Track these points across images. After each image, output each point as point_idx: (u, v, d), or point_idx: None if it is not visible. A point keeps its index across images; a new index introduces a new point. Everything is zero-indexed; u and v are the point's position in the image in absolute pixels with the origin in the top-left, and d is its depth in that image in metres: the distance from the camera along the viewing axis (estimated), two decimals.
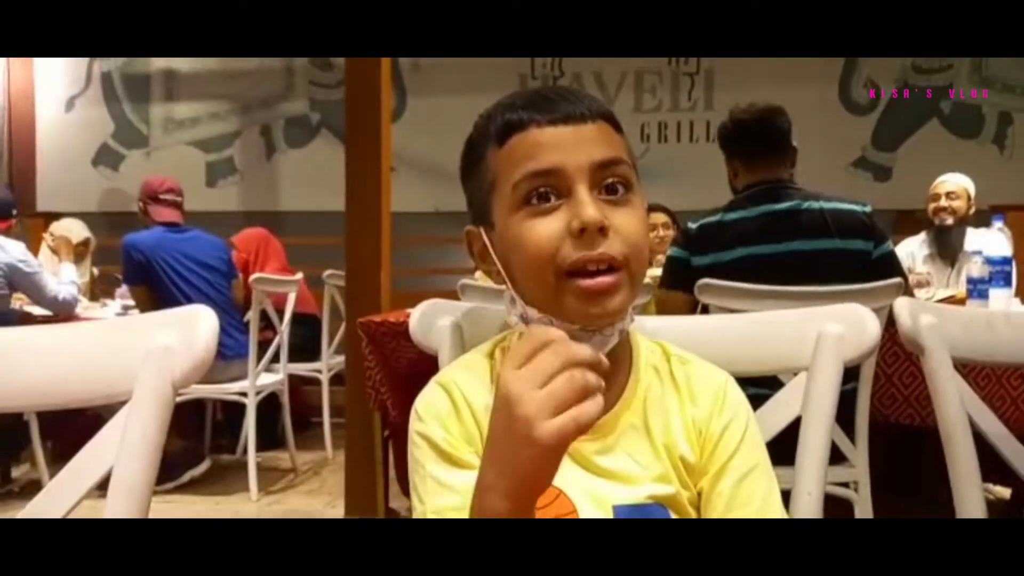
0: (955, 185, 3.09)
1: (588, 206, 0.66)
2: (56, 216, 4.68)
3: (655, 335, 0.83)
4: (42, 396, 0.72)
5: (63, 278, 3.15)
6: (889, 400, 2.00)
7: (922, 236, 3.19)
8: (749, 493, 0.70)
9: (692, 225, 1.93)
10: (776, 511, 0.71)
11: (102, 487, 0.67)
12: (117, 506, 0.66)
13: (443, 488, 0.68)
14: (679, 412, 0.73)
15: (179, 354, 0.68)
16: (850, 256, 1.85)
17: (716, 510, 0.70)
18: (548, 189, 0.67)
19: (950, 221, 3.05)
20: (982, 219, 3.03)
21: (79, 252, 3.72)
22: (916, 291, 2.54)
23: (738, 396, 0.75)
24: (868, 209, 1.90)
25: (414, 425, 0.72)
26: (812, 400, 0.83)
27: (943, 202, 3.07)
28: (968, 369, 0.94)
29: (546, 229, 0.67)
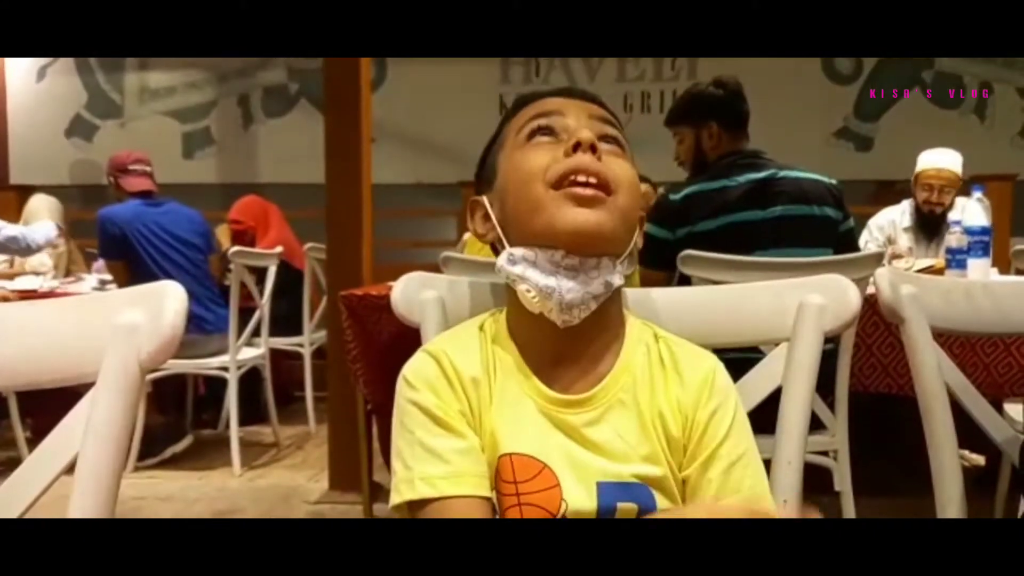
0: (949, 175, 2.98)
1: (584, 129, 0.71)
2: (29, 189, 4.60)
3: (637, 307, 0.83)
4: (8, 375, 0.70)
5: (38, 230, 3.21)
6: (869, 370, 2.02)
7: (903, 206, 3.18)
8: (738, 481, 0.70)
9: (674, 197, 1.91)
10: (766, 499, 0.72)
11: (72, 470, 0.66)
12: (84, 491, 0.64)
13: (431, 455, 0.68)
14: (665, 392, 0.73)
15: (145, 333, 0.66)
16: (826, 222, 1.91)
17: (705, 499, 0.70)
18: (549, 126, 0.73)
19: (939, 212, 3.00)
20: (961, 189, 3.04)
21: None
22: (894, 262, 2.56)
23: (726, 382, 0.75)
24: (835, 182, 1.96)
25: (404, 392, 0.72)
26: (793, 370, 0.84)
27: (935, 196, 2.99)
28: (943, 338, 0.94)
29: (542, 151, 0.72)
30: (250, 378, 3.20)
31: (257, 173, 5.21)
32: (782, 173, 1.90)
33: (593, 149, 0.70)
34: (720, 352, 0.79)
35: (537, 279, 0.70)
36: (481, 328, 0.76)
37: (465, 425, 0.70)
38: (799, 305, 0.84)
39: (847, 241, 1.95)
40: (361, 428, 2.29)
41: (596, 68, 4.97)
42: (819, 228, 1.89)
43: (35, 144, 5.30)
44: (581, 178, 0.68)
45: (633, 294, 0.85)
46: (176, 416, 3.32)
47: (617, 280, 0.72)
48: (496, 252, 0.75)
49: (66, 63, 5.35)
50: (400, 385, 0.73)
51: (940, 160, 3.01)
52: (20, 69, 5.36)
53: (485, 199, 0.77)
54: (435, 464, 0.68)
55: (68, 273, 3.65)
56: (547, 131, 0.73)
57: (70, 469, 0.66)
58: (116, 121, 5.35)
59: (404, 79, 5.00)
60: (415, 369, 0.73)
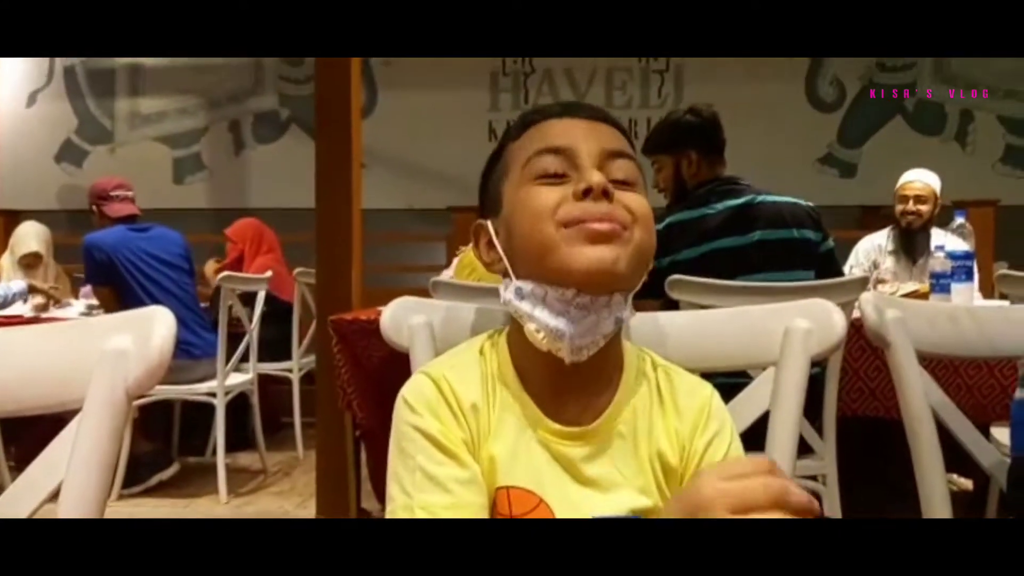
0: (923, 187, 3.10)
1: (595, 172, 0.68)
2: (16, 215, 4.59)
3: (627, 332, 0.83)
4: None
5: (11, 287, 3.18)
6: (856, 393, 2.03)
7: (887, 231, 3.24)
8: None
9: (657, 227, 1.93)
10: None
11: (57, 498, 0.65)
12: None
13: (433, 483, 0.66)
14: (664, 425, 0.73)
15: (133, 358, 0.66)
16: (806, 244, 1.94)
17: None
18: (557, 166, 0.69)
19: (917, 224, 3.08)
20: (945, 215, 3.08)
21: (28, 263, 3.68)
22: (879, 287, 2.58)
23: (722, 410, 0.75)
24: (812, 205, 2.00)
25: (405, 416, 0.70)
26: (780, 395, 0.84)
27: (911, 206, 3.08)
28: (927, 361, 0.95)
29: (551, 192, 0.68)
30: (237, 403, 3.18)
31: (247, 198, 5.21)
32: (760, 198, 1.93)
33: (605, 193, 0.67)
34: (708, 377, 0.79)
35: (547, 320, 0.68)
36: (481, 352, 0.75)
37: (467, 453, 0.68)
38: (785, 330, 0.85)
39: (828, 261, 1.97)
40: (350, 455, 2.28)
41: (583, 94, 5.03)
42: (800, 250, 1.92)
43: (24, 169, 5.29)
44: (594, 226, 0.66)
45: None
46: (162, 443, 3.28)
47: (627, 315, 0.70)
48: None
49: (56, 88, 5.36)
50: (400, 408, 0.71)
51: (916, 173, 3.15)
52: (10, 94, 5.36)
53: (490, 225, 0.74)
54: (437, 493, 0.66)
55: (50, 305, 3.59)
56: (556, 172, 0.69)
57: (54, 496, 0.66)
58: (106, 146, 5.35)
59: (394, 105, 5.04)
60: (416, 392, 0.71)
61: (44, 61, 5.35)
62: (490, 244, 0.74)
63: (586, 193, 0.66)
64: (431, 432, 0.68)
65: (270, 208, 4.89)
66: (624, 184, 0.70)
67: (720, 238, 1.88)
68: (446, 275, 2.27)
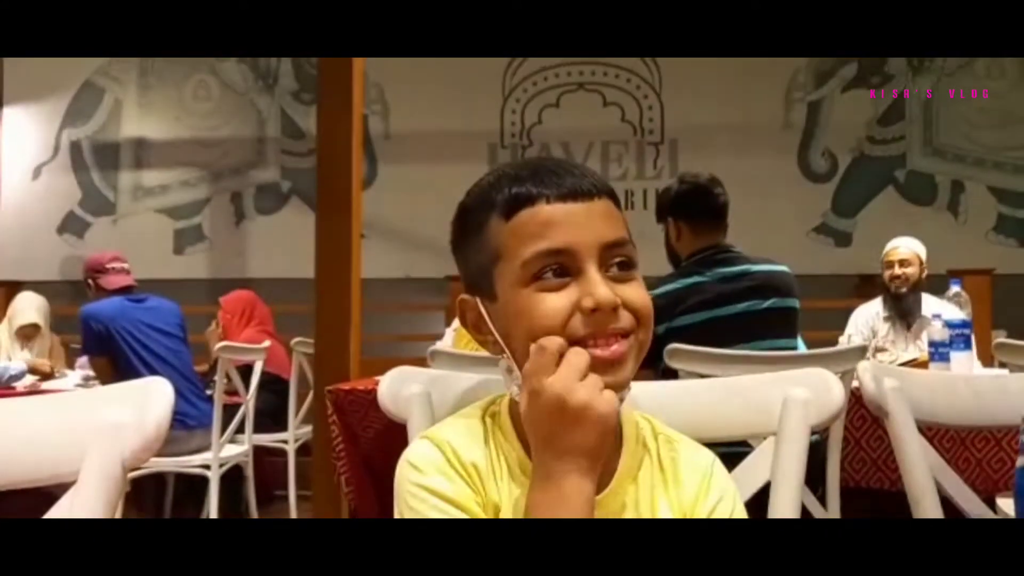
0: (907, 251, 3.17)
1: (600, 285, 0.67)
2: (19, 285, 4.60)
3: (627, 402, 0.83)
4: None
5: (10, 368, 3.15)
6: (859, 464, 2.01)
7: (880, 299, 3.27)
8: None
9: (653, 292, 1.95)
10: None
11: None
12: None
13: None
14: (666, 496, 0.72)
15: (130, 431, 0.65)
16: (791, 312, 1.98)
17: None
18: (559, 267, 0.68)
19: (904, 289, 3.13)
20: (940, 284, 3.11)
21: (27, 334, 3.68)
22: (878, 355, 2.59)
23: (724, 478, 0.74)
24: (788, 268, 2.04)
25: (410, 477, 0.68)
26: (781, 465, 0.83)
27: (896, 270, 3.15)
28: (933, 433, 0.95)
29: (556, 303, 0.67)
30: (231, 475, 3.13)
31: (247, 268, 5.25)
32: (756, 267, 1.96)
33: (614, 308, 0.67)
34: (708, 446, 0.79)
35: None
36: (483, 419, 0.73)
37: (479, 508, 0.67)
38: (784, 399, 0.84)
39: (797, 322, 2.03)
40: None
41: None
42: (785, 318, 1.96)
43: (27, 240, 5.34)
44: (602, 355, 0.66)
45: None
46: (154, 515, 3.21)
47: (627, 394, 0.71)
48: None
49: (62, 161, 5.46)
50: (404, 470, 0.69)
51: (899, 240, 3.23)
52: (17, 167, 5.46)
53: (480, 304, 0.72)
54: None
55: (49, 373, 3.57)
56: (556, 274, 0.68)
57: None
58: (108, 218, 5.42)
59: (394, 177, 5.13)
60: (420, 454, 0.69)
61: (51, 136, 5.46)
62: (479, 320, 0.73)
63: (593, 311, 0.66)
64: (439, 489, 0.67)
65: (268, 278, 4.93)
66: (624, 268, 0.70)
67: (716, 306, 1.90)
68: (444, 344, 2.27)
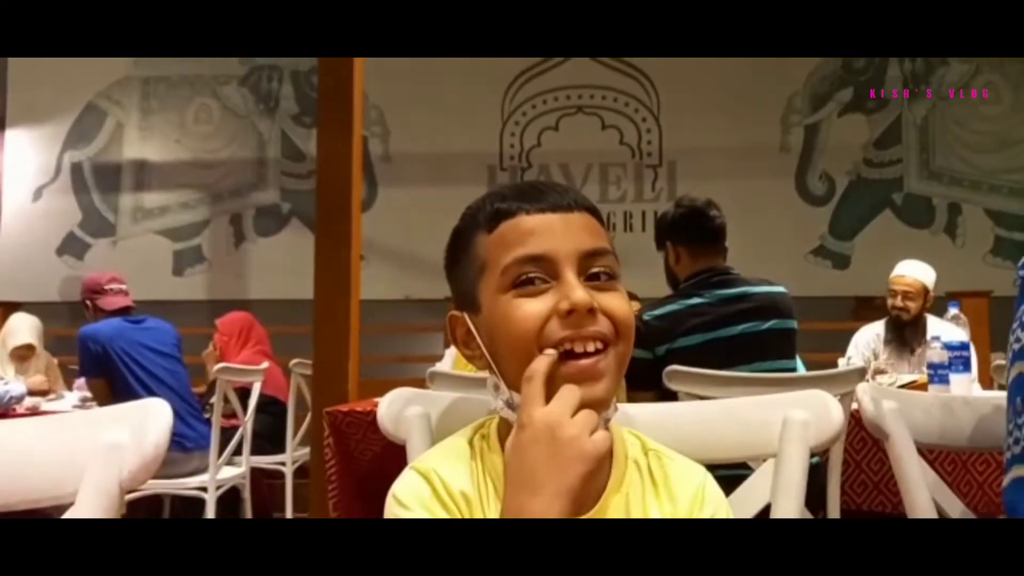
0: (912, 281, 3.11)
1: (577, 288, 0.67)
2: (16, 306, 4.60)
3: (625, 423, 0.83)
4: None
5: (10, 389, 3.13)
6: (860, 487, 1.99)
7: (883, 321, 3.26)
8: None
9: (647, 317, 1.94)
10: None
11: None
12: None
13: None
14: (658, 510, 0.72)
15: (128, 452, 0.65)
16: (790, 334, 1.98)
17: None
18: (537, 273, 0.69)
19: (906, 319, 3.11)
20: (938, 306, 3.11)
21: (21, 355, 3.67)
22: (877, 377, 2.58)
23: (717, 493, 0.74)
24: (786, 290, 2.04)
25: (396, 513, 0.69)
26: (781, 487, 0.83)
27: (899, 301, 3.12)
28: (933, 455, 0.95)
29: (533, 308, 0.68)
30: (228, 498, 3.10)
31: (247, 290, 5.25)
32: (755, 289, 1.96)
33: (591, 310, 0.67)
34: (709, 468, 0.78)
35: None
36: (470, 443, 0.74)
37: None
38: (783, 421, 0.84)
39: (795, 343, 2.03)
40: None
41: (579, 189, 5.16)
42: (789, 340, 1.96)
43: (26, 261, 5.35)
44: (579, 347, 0.67)
45: (621, 409, 0.86)
46: None
47: (612, 412, 0.71)
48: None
49: (63, 183, 5.48)
50: (390, 506, 0.70)
51: (906, 268, 3.16)
52: (18, 189, 5.48)
53: (468, 319, 0.73)
54: None
55: (46, 393, 3.57)
56: (535, 279, 0.69)
57: None
58: (108, 239, 5.43)
59: (394, 199, 5.16)
60: (406, 489, 0.70)
61: (52, 157, 5.49)
62: (467, 335, 0.74)
63: (569, 312, 0.67)
64: None
65: (267, 299, 4.93)
66: (604, 278, 0.70)
67: (716, 328, 1.89)
68: (443, 365, 2.26)
